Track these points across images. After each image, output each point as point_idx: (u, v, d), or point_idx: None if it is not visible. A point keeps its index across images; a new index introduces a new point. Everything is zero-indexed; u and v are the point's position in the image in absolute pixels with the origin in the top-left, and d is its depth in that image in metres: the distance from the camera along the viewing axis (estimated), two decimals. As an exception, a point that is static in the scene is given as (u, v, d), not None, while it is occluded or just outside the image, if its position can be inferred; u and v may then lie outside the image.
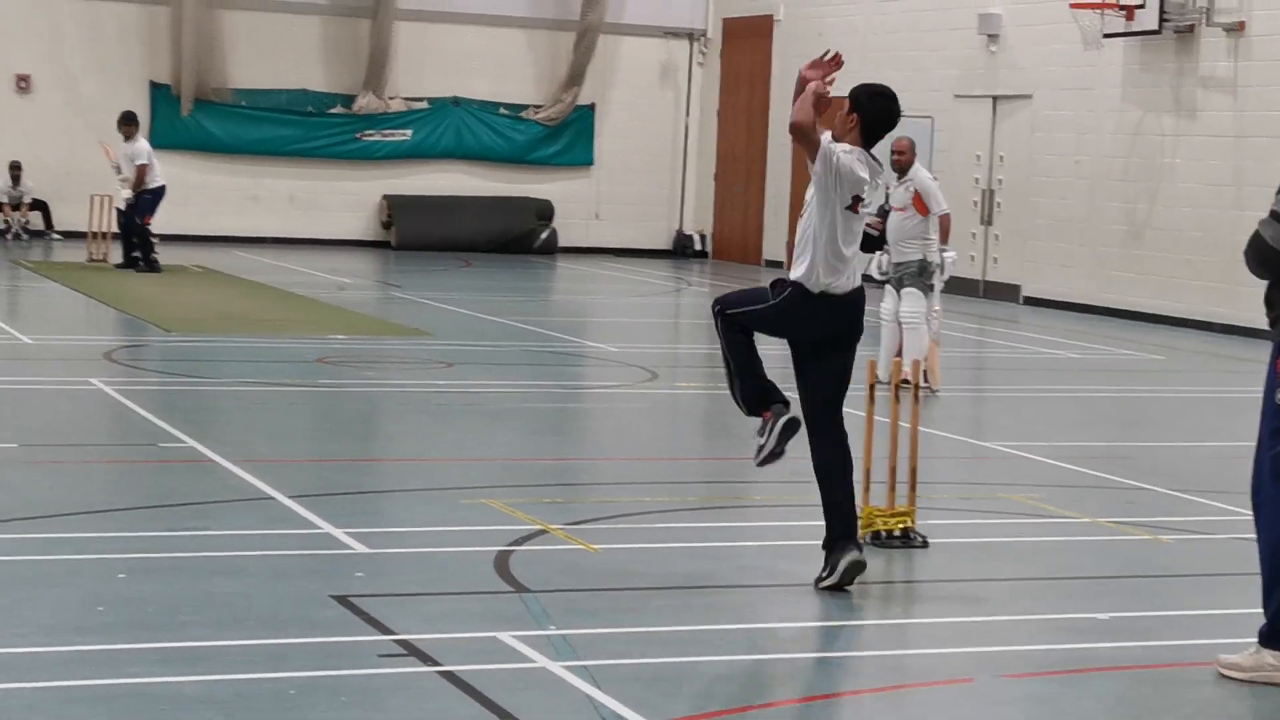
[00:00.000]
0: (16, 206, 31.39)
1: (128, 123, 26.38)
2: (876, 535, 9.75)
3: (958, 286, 28.72)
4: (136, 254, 26.04)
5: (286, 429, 13.60)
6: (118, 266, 26.18)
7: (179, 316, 20.09)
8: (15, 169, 31.15)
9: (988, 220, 28.36)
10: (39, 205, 31.66)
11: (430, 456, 12.17)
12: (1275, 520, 7.28)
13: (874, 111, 9.44)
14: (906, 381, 10.08)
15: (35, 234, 31.61)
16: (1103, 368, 19.46)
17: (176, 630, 7.65)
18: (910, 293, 16.26)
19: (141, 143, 26.44)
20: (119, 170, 26.39)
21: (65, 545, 9.17)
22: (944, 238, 16.42)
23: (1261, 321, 7.39)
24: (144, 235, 26.08)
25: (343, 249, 32.76)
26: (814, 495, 11.76)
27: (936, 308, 16.37)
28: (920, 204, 16.36)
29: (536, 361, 17.77)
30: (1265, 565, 7.34)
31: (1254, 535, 7.44)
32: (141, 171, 26.00)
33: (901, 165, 16.36)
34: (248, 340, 18.73)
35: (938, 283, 16.38)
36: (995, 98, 28.18)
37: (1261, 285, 7.37)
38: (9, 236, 31.19)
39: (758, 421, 9.16)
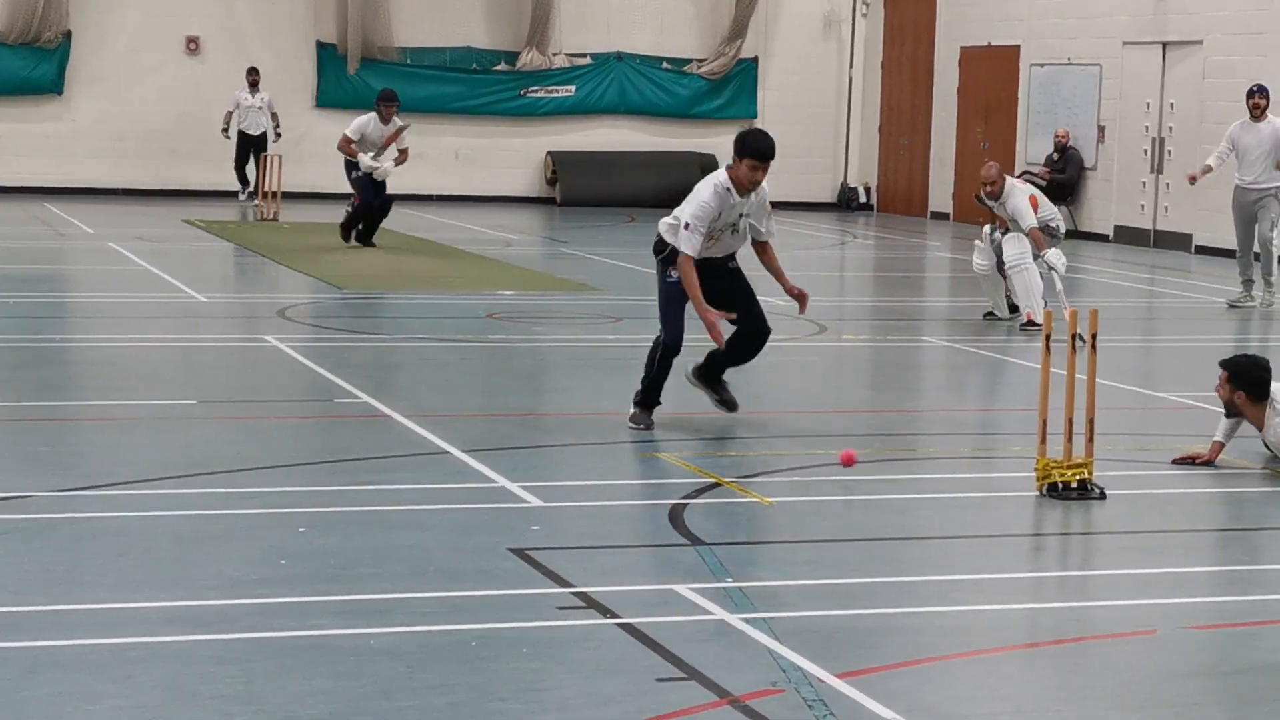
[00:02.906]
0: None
1: (390, 102, 23.32)
2: (1054, 487, 9.67)
3: (1128, 236, 28.38)
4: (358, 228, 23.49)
5: (459, 384, 13.71)
6: (362, 244, 23.45)
7: (350, 274, 20.29)
8: (253, 74, 31.10)
9: (1158, 169, 27.96)
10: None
11: (601, 410, 12.21)
12: None
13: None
14: (1081, 337, 9.98)
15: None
16: (1278, 317, 19.13)
17: (358, 583, 7.74)
18: (1009, 238, 17.16)
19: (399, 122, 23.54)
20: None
21: (246, 500, 9.31)
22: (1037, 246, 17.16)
23: None
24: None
25: (507, 205, 32.92)
26: (987, 447, 11.72)
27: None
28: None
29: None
30: None
31: None
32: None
33: (993, 194, 17.31)
34: (418, 297, 18.89)
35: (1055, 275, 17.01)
36: (1165, 44, 27.73)
37: None
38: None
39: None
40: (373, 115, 23.13)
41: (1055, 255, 16.83)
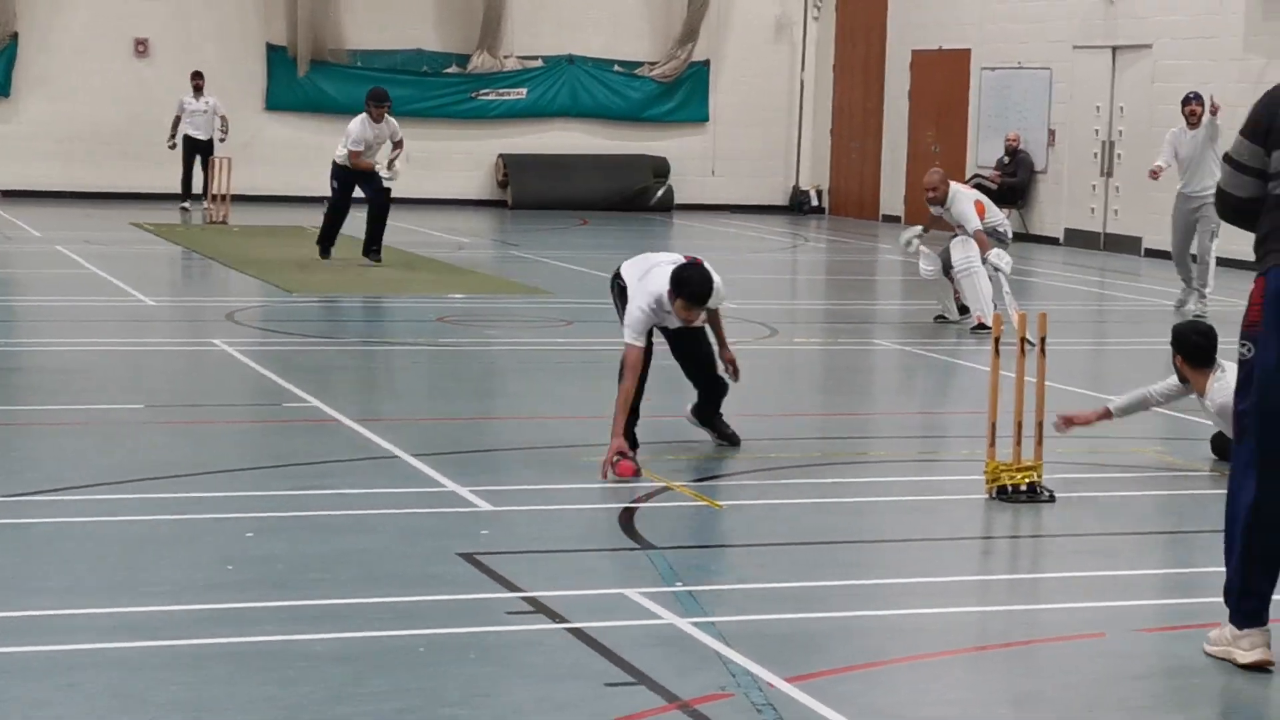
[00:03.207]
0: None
1: (381, 101, 21.82)
2: (1003, 490, 9.68)
3: (1079, 239, 28.48)
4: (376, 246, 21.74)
5: (409, 388, 13.67)
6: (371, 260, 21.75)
7: (299, 277, 20.22)
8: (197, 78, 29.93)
9: (1108, 172, 28.06)
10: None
11: (552, 414, 12.19)
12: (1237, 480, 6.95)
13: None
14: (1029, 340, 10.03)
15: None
16: (1226, 319, 19.21)
17: (306, 588, 7.70)
18: (956, 242, 17.19)
19: (392, 119, 22.08)
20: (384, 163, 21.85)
21: (193, 505, 9.26)
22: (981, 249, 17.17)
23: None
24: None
25: (459, 208, 32.86)
26: (937, 450, 11.73)
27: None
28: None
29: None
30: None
31: None
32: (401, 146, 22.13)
33: (936, 199, 17.40)
34: (368, 300, 18.85)
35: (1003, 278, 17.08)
36: (1115, 48, 27.84)
37: None
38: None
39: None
40: (363, 118, 21.62)
41: (997, 255, 16.90)
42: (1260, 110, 6.95)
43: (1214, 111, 19.38)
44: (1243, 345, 6.95)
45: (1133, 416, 11.10)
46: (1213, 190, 19.34)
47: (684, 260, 10.56)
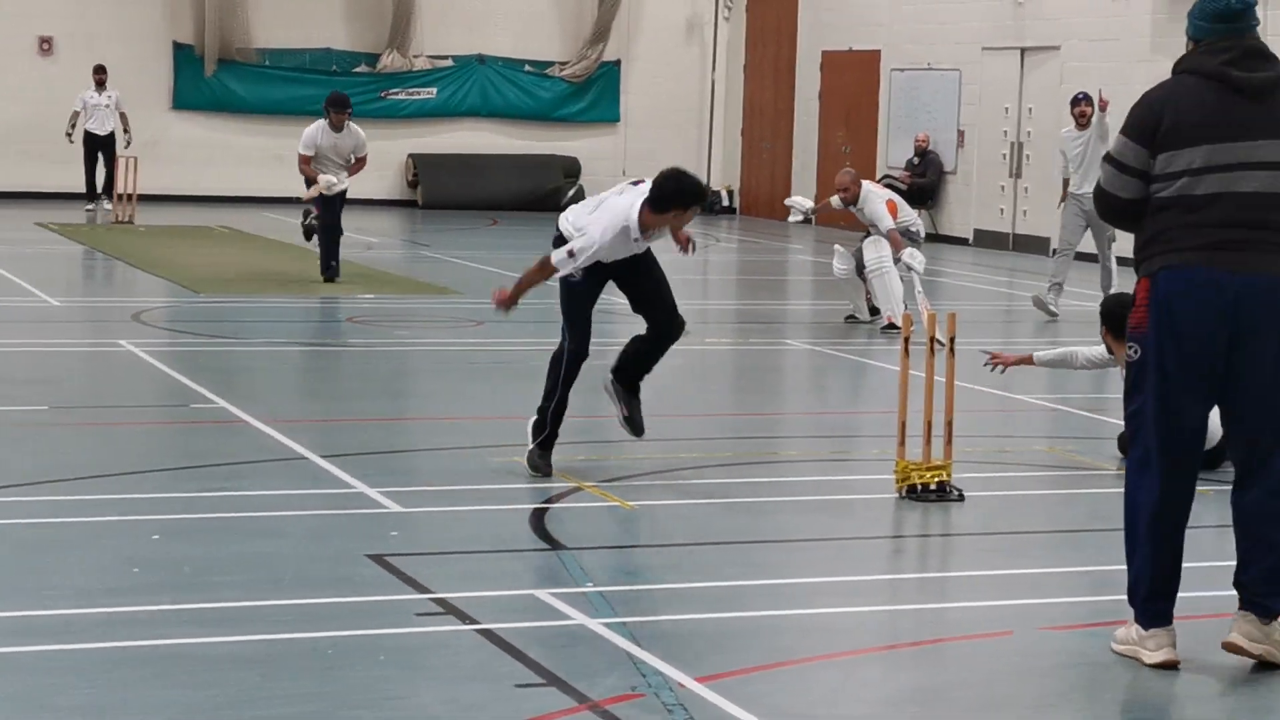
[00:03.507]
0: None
1: (342, 109, 19.89)
2: (913, 489, 9.71)
3: (988, 240, 28.65)
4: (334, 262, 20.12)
5: (317, 389, 13.59)
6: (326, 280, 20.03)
7: (207, 277, 20.07)
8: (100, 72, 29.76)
9: (1016, 173, 28.23)
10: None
11: (462, 415, 12.14)
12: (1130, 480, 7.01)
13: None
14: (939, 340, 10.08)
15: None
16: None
17: (212, 591, 7.63)
18: (869, 242, 17.25)
19: (356, 128, 20.15)
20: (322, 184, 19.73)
21: (98, 507, 9.17)
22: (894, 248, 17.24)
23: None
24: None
25: (368, 208, 32.64)
26: (847, 449, 11.75)
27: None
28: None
29: (566, 319, 17.71)
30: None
31: None
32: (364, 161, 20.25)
33: (848, 199, 17.41)
34: (276, 300, 18.72)
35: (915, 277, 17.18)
36: (1023, 50, 28.01)
37: None
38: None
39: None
40: (321, 123, 19.87)
41: (910, 254, 16.97)
42: (1144, 112, 6.94)
43: (1103, 108, 19.43)
44: (1130, 347, 6.98)
45: (1042, 415, 11.15)
46: None
47: (636, 181, 9.99)
